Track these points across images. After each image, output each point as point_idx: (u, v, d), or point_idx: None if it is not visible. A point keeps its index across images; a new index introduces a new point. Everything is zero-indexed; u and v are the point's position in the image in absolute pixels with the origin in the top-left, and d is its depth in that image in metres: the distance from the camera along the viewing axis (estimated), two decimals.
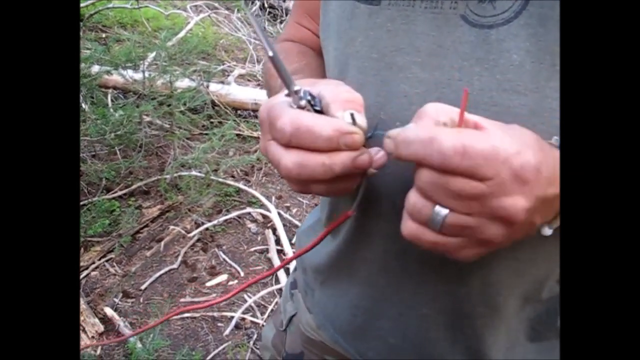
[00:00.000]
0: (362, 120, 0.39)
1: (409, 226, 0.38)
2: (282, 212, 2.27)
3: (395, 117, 0.45)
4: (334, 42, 0.50)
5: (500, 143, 0.33)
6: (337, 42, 0.50)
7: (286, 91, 0.40)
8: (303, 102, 0.39)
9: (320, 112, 0.39)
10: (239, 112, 2.90)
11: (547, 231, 0.39)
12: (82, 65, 2.25)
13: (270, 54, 0.37)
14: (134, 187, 2.27)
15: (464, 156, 0.33)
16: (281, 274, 1.95)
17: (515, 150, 0.33)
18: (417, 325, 0.53)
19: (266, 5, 4.56)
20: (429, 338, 0.53)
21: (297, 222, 2.24)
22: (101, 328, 1.66)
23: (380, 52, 0.46)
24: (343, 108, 0.38)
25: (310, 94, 0.39)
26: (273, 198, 2.40)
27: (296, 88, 0.39)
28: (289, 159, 0.38)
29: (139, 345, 1.59)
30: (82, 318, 1.65)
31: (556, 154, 0.37)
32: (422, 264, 0.50)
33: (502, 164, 0.33)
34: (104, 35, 3.29)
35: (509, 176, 0.33)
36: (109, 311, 1.72)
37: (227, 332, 1.74)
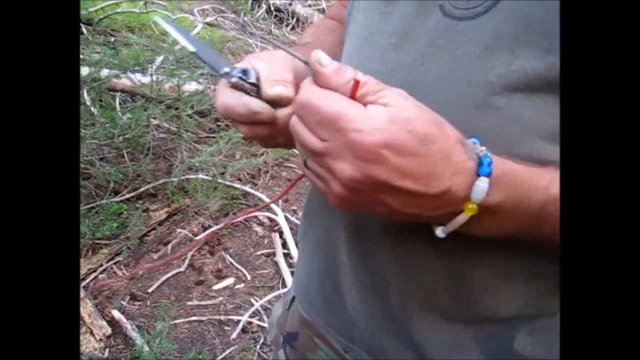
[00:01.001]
0: (275, 90, 0.46)
1: (296, 161, 0.45)
2: (288, 216, 2.27)
3: None
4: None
5: (353, 115, 0.36)
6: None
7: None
8: (234, 80, 0.46)
9: (253, 84, 0.46)
10: None
11: (439, 233, 0.42)
12: (92, 69, 2.27)
13: (192, 49, 0.48)
14: (141, 190, 2.28)
15: (306, 110, 0.38)
16: (287, 277, 1.95)
17: (362, 127, 0.35)
18: (376, 289, 0.53)
19: (272, 8, 4.57)
20: (389, 299, 0.53)
21: None
22: (109, 331, 1.66)
23: (369, 31, 0.50)
24: (271, 86, 0.46)
25: (243, 70, 0.46)
26: (280, 201, 2.40)
27: (226, 70, 0.47)
28: (245, 132, 0.48)
29: (146, 348, 1.60)
30: (89, 320, 1.66)
31: (460, 157, 0.38)
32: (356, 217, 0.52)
33: (337, 132, 0.36)
34: (112, 39, 3.30)
35: (342, 144, 0.36)
36: (116, 314, 1.73)
37: (233, 335, 1.74)
